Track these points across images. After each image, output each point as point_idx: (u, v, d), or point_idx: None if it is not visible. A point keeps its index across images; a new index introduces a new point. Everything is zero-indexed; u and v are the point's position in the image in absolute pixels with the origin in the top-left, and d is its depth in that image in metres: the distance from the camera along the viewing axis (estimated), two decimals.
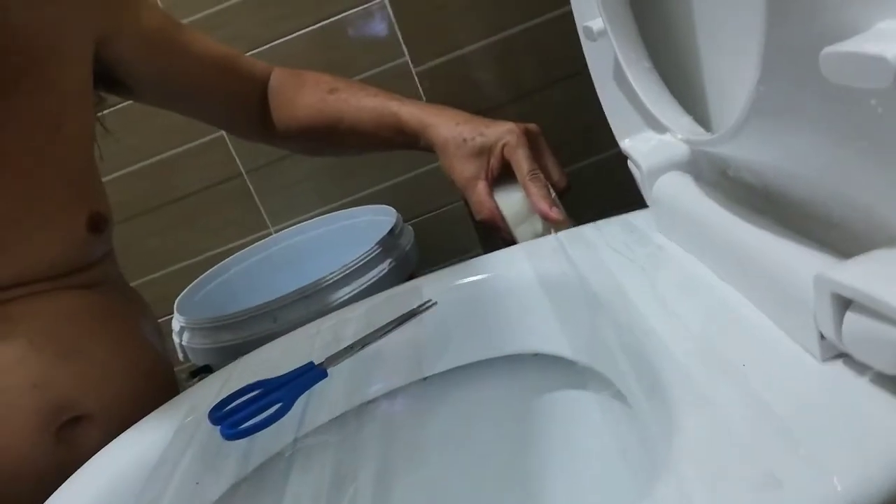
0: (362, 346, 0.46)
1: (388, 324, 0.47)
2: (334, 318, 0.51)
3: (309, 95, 0.64)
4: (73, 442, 0.47)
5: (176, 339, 0.80)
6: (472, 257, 0.51)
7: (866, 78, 0.20)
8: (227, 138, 1.00)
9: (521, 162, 0.54)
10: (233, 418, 0.41)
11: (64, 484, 0.40)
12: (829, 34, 0.22)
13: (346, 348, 0.46)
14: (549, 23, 0.83)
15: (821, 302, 0.27)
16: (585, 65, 0.48)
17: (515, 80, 0.87)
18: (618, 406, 0.43)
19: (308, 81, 0.65)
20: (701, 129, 0.37)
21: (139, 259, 1.03)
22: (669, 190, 0.43)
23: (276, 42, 0.93)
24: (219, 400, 0.43)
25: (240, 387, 0.45)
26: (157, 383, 0.54)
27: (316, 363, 0.45)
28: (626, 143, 0.48)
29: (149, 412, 0.48)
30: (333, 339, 0.48)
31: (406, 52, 0.88)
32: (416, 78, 0.88)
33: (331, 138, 0.64)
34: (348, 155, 0.71)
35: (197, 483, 0.40)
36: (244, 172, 1.01)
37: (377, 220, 0.91)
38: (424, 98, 0.92)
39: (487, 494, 0.48)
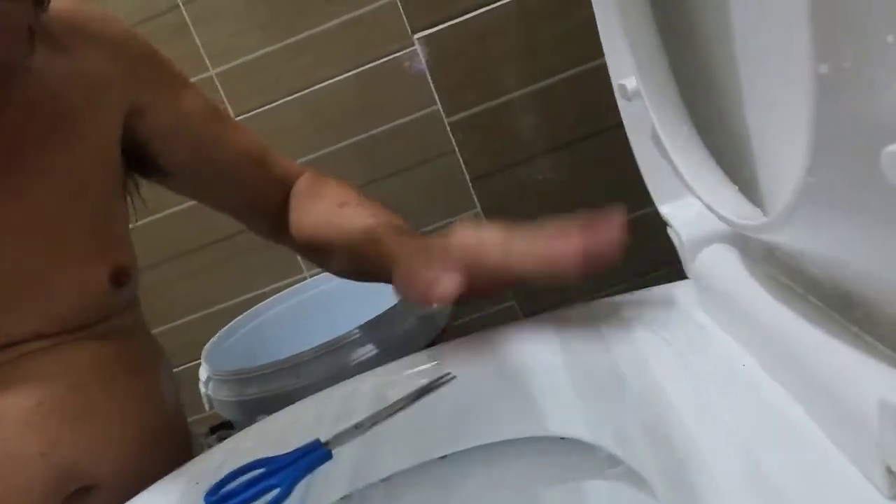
0: (372, 424, 0.43)
1: (402, 399, 0.44)
2: (348, 387, 0.48)
3: (321, 206, 0.60)
4: None
5: (202, 388, 0.78)
6: (507, 306, 0.47)
7: None
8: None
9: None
10: (229, 502, 0.38)
11: None
12: (891, 127, 0.18)
13: (354, 426, 0.43)
14: (590, 72, 0.80)
15: (888, 432, 0.22)
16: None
17: (552, 132, 0.84)
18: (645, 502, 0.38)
19: (326, 192, 0.62)
20: (745, 204, 0.33)
21: (173, 302, 1.03)
22: (713, 265, 0.39)
23: (311, 88, 0.92)
24: (218, 479, 0.41)
25: (241, 464, 0.42)
26: (169, 445, 0.52)
27: (323, 440, 0.42)
28: (665, 210, 0.44)
29: (156, 474, 0.46)
30: (344, 412, 0.45)
31: (438, 102, 0.86)
32: (448, 128, 0.86)
33: (329, 257, 0.61)
34: (349, 277, 0.65)
35: None
36: None
37: None
38: (458, 150, 0.89)
39: None
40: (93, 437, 0.46)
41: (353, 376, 0.72)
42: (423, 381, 0.45)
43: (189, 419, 1.08)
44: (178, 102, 0.56)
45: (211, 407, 0.78)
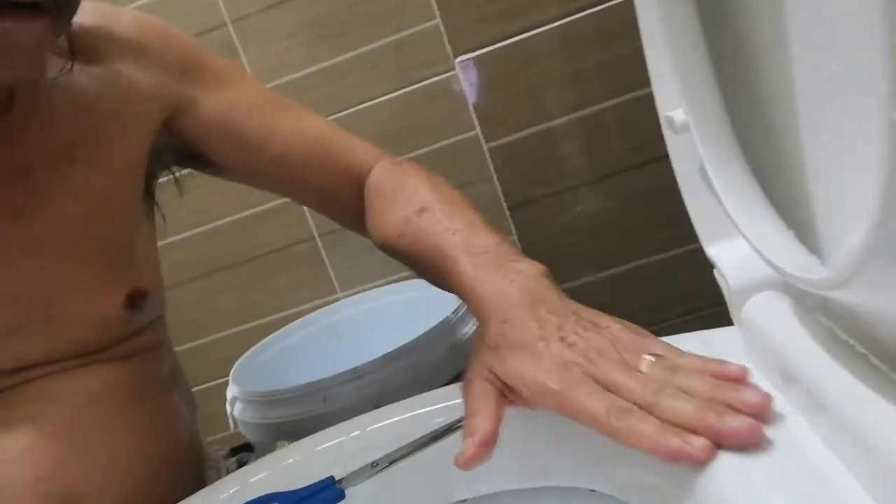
0: (389, 463, 0.41)
1: (422, 438, 0.42)
2: (368, 420, 0.46)
3: (398, 211, 0.52)
4: None
5: (228, 407, 0.78)
6: None
7: None
8: None
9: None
10: None
11: None
12: None
13: (371, 464, 0.41)
14: (638, 101, 0.78)
15: None
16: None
17: (596, 161, 0.82)
18: None
19: (404, 190, 0.53)
20: (801, 252, 0.30)
21: (206, 318, 1.03)
22: (762, 315, 0.36)
23: (351, 109, 0.92)
24: None
25: (250, 497, 0.40)
26: (177, 474, 0.50)
27: (336, 478, 0.40)
28: (712, 251, 0.41)
29: (162, 502, 0.45)
30: (361, 448, 0.43)
31: (477, 127, 0.85)
32: (486, 154, 0.84)
33: (415, 267, 0.53)
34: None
35: None
36: (317, 235, 1.00)
37: (444, 295, 0.86)
38: (496, 177, 0.87)
39: None
40: (92, 465, 0.45)
41: (380, 403, 0.70)
42: (446, 420, 0.42)
43: (215, 436, 1.08)
44: (219, 98, 0.53)
45: (235, 427, 0.77)
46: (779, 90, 0.31)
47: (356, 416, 0.46)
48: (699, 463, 0.28)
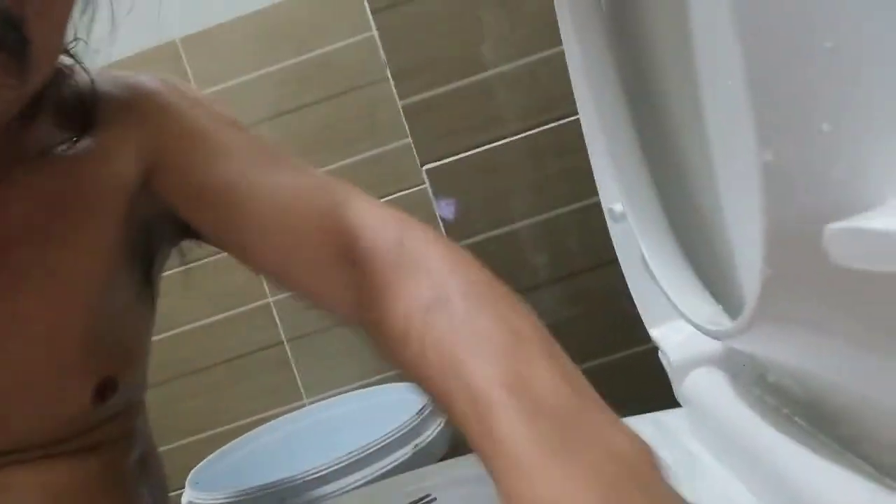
0: None
1: None
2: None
3: (402, 308, 0.33)
4: None
5: None
6: None
7: (875, 258, 0.16)
8: (272, 305, 1.01)
9: None
10: None
11: None
12: (834, 211, 0.18)
13: None
14: (595, 206, 0.83)
15: None
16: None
17: (556, 262, 0.86)
18: None
19: (409, 268, 0.35)
20: (723, 318, 0.33)
21: (170, 424, 1.01)
22: (701, 389, 0.38)
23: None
24: None
25: None
26: None
27: None
28: (655, 333, 0.44)
29: None
30: None
31: (442, 229, 0.89)
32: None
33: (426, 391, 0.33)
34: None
35: None
36: (285, 340, 1.00)
37: (409, 397, 0.86)
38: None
39: None
40: None
41: None
42: (405, 502, 0.42)
43: None
44: (198, 156, 0.46)
45: None
46: (699, 165, 0.35)
47: None
48: None
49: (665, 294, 0.36)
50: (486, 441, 0.25)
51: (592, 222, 0.87)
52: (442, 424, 0.78)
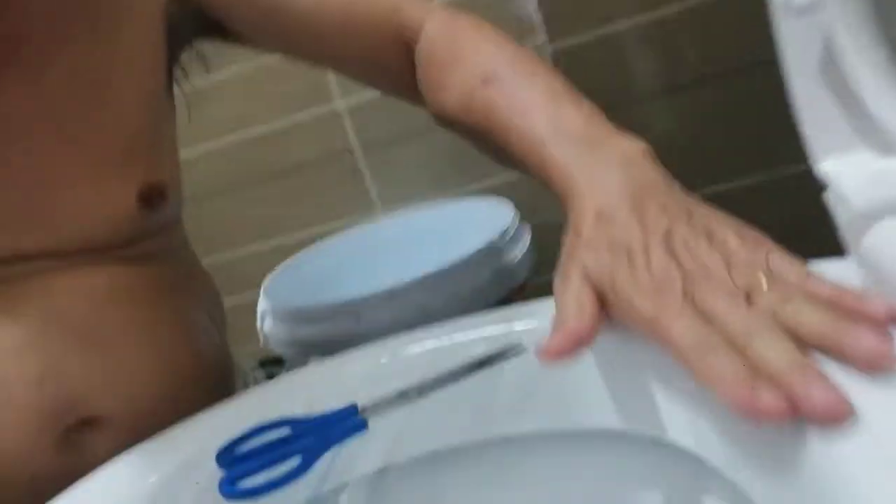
0: (419, 395, 0.36)
1: (459, 369, 0.36)
2: (401, 344, 0.41)
3: (459, 81, 0.44)
4: (82, 447, 0.41)
5: (259, 322, 0.74)
6: None
7: None
8: (342, 111, 0.93)
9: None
10: (241, 467, 0.32)
11: None
12: None
13: (398, 394, 0.36)
14: (716, 2, 0.67)
15: None
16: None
17: (672, 69, 0.72)
18: None
19: (464, 57, 0.44)
20: None
21: (240, 230, 0.99)
22: (891, 245, 0.29)
23: None
24: (236, 437, 0.35)
25: (266, 419, 0.36)
26: (200, 384, 0.47)
27: (360, 407, 0.36)
28: (827, 166, 0.33)
29: (177, 412, 0.41)
30: (391, 374, 0.38)
31: (543, 25, 0.75)
32: (549, 57, 0.75)
33: (484, 146, 0.45)
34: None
35: None
36: (358, 148, 0.93)
37: (493, 215, 0.80)
38: None
39: None
40: (99, 365, 0.41)
41: (417, 326, 0.66)
42: (487, 351, 0.37)
43: (245, 350, 1.06)
44: None
45: (266, 342, 0.73)
46: None
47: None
48: (764, 419, 0.23)
49: (871, 112, 0.26)
50: (538, 165, 0.37)
51: (714, 22, 0.72)
52: (527, 247, 0.72)
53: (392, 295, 0.64)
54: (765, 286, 0.27)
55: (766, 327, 0.26)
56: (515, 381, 0.37)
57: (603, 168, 0.33)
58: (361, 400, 0.36)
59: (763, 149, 0.73)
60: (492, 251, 0.67)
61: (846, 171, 0.32)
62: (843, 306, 0.26)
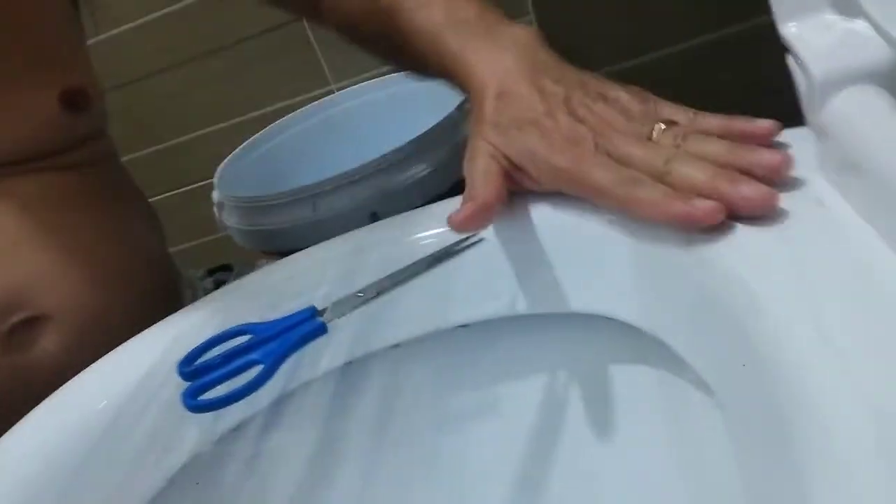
0: (377, 294, 0.35)
1: (417, 263, 0.36)
2: (359, 239, 0.40)
3: None
4: (28, 345, 0.42)
5: (216, 211, 0.72)
6: None
7: None
8: None
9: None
10: (203, 380, 0.32)
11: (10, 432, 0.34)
12: None
13: (355, 294, 0.35)
14: None
15: None
16: None
17: None
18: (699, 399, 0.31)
19: None
20: None
21: (187, 112, 0.94)
22: (852, 117, 0.28)
23: None
24: (195, 346, 0.34)
25: (224, 327, 0.36)
26: (140, 286, 0.47)
27: (319, 308, 0.35)
28: (790, 29, 0.31)
29: (122, 315, 0.44)
30: (349, 271, 0.38)
31: None
32: None
33: (388, 51, 0.46)
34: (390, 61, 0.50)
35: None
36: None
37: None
38: None
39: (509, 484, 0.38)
40: (37, 265, 0.42)
41: (376, 210, 0.65)
42: (445, 242, 0.36)
43: (206, 238, 1.05)
44: None
45: (225, 230, 0.72)
46: None
47: (349, 224, 0.41)
48: (705, 225, 0.27)
49: None
50: (436, 56, 0.38)
51: None
52: None
53: (348, 179, 0.62)
54: (663, 128, 0.31)
55: (679, 154, 0.29)
56: (472, 270, 0.37)
57: (498, 51, 0.35)
58: (319, 302, 0.35)
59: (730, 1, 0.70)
60: (448, 127, 0.65)
61: (808, 36, 0.30)
62: (735, 132, 0.30)
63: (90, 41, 0.54)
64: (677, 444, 0.32)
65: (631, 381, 0.36)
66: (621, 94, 0.32)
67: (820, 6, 0.31)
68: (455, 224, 0.32)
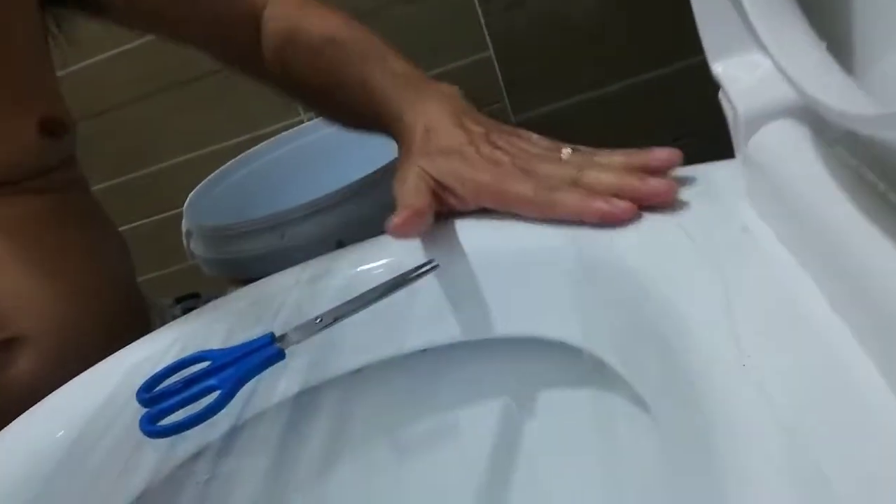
0: (334, 320, 0.36)
1: (373, 290, 0.37)
2: (315, 267, 0.42)
3: (305, 42, 0.50)
4: (4, 366, 0.42)
5: (184, 240, 0.73)
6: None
7: None
8: None
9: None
10: (160, 406, 0.33)
11: None
12: None
13: (313, 320, 0.36)
14: None
15: None
16: None
17: None
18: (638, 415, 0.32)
19: (308, 21, 0.51)
20: (838, 77, 0.23)
21: (161, 141, 0.95)
22: (774, 150, 0.30)
23: None
24: (155, 372, 0.35)
25: (184, 354, 0.36)
26: (114, 309, 0.48)
27: (277, 335, 0.36)
28: (718, 68, 0.34)
29: (95, 336, 0.45)
30: (307, 298, 0.39)
31: None
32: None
33: (329, 105, 0.53)
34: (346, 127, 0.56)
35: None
36: None
37: None
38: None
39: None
40: (13, 286, 0.43)
41: (343, 239, 0.66)
42: (401, 269, 0.38)
43: (176, 267, 1.05)
44: None
45: (193, 259, 0.72)
46: None
47: (317, 252, 0.43)
48: (622, 221, 0.31)
49: (751, 27, 0.26)
50: (368, 103, 0.44)
51: None
52: None
53: (314, 208, 0.63)
54: (570, 152, 0.36)
55: (588, 164, 0.34)
56: (428, 296, 0.38)
57: (425, 98, 0.41)
58: (278, 328, 0.36)
59: (667, 41, 0.73)
60: None
61: (737, 74, 0.33)
62: (636, 164, 0.34)
63: (66, 70, 0.56)
64: (615, 456, 0.34)
65: (577, 400, 0.37)
66: (533, 135, 0.38)
67: (747, 46, 0.33)
68: (393, 228, 0.35)
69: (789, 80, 0.23)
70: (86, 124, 0.94)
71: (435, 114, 0.40)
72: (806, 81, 0.22)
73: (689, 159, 0.36)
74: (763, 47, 0.25)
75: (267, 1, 0.53)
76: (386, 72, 0.44)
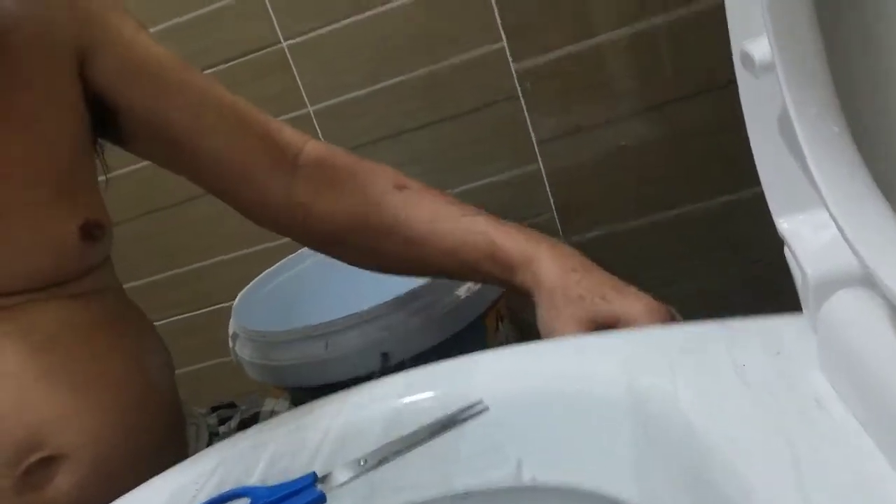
0: (380, 462, 0.35)
1: (420, 431, 0.36)
2: (361, 395, 0.41)
3: (369, 186, 0.50)
4: (43, 485, 0.41)
5: (230, 343, 0.73)
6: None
7: None
8: (314, 120, 0.91)
9: None
10: None
11: None
12: None
13: (357, 461, 0.35)
14: (700, 15, 0.65)
15: None
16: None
17: (642, 88, 0.70)
18: None
19: (364, 172, 0.51)
20: None
21: (214, 238, 0.98)
22: (849, 319, 0.28)
23: (358, 17, 0.81)
24: None
25: (225, 488, 0.35)
26: (154, 420, 0.48)
27: (319, 475, 0.35)
28: (784, 224, 0.33)
29: (135, 454, 0.44)
30: (351, 434, 0.38)
31: (504, 40, 0.74)
32: (514, 75, 0.73)
33: (382, 247, 0.51)
34: (399, 273, 0.54)
35: None
36: None
37: None
38: (524, 105, 0.76)
39: None
40: (57, 402, 0.42)
41: (387, 350, 0.65)
42: (447, 411, 0.37)
43: (222, 359, 1.06)
44: (132, 45, 0.49)
45: (239, 362, 0.73)
46: None
47: (360, 363, 0.42)
48: None
49: (823, 199, 0.25)
50: (492, 249, 0.47)
51: (690, 37, 0.70)
52: None
53: (360, 319, 0.63)
54: None
55: None
56: (476, 437, 0.36)
57: (541, 244, 0.45)
58: (320, 468, 0.35)
59: (739, 166, 0.73)
60: None
61: (801, 233, 0.32)
62: None
63: (118, 171, 0.57)
64: None
65: None
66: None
67: (813, 203, 0.32)
68: None
69: (854, 252, 0.22)
70: (137, 222, 0.98)
71: (571, 254, 0.45)
72: (869, 255, 0.21)
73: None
74: (840, 229, 0.24)
75: (301, 146, 0.52)
76: (481, 215, 0.48)
